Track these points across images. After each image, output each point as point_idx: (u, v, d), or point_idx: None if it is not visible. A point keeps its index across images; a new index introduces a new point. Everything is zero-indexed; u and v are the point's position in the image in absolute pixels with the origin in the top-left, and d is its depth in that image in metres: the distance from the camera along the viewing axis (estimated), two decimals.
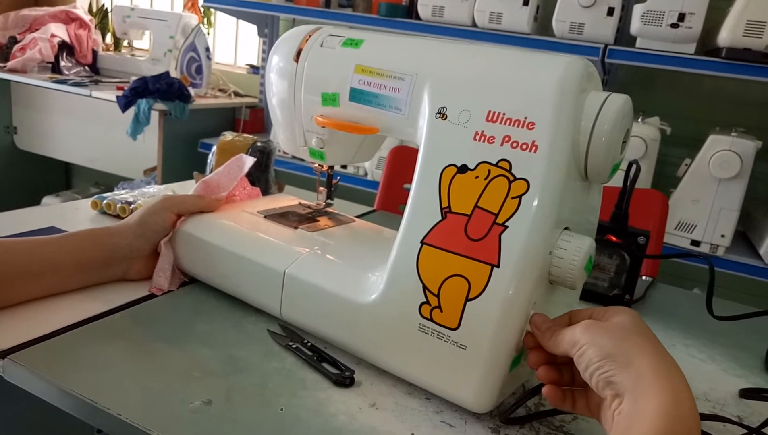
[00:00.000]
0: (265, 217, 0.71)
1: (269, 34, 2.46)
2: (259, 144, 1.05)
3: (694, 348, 0.72)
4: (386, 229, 0.74)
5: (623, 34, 1.71)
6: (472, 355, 0.49)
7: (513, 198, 0.47)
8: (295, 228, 0.68)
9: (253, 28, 2.48)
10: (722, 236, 1.62)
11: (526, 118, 0.48)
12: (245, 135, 1.08)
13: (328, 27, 0.66)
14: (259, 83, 2.56)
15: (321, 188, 0.75)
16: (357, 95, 0.58)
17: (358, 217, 1.10)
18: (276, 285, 0.60)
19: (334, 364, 0.55)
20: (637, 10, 1.60)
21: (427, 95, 0.53)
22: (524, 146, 0.48)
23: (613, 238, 0.79)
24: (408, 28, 1.86)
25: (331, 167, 0.74)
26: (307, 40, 0.65)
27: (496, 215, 0.48)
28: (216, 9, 2.23)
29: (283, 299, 0.60)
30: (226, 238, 0.65)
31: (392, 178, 1.25)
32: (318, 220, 0.72)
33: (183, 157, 2.22)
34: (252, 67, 2.62)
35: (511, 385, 0.54)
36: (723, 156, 1.55)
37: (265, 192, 1.06)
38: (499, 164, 0.48)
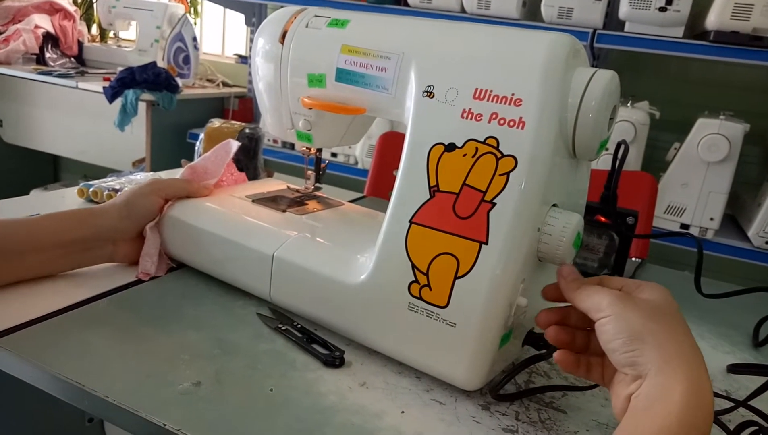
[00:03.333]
0: (253, 201, 0.70)
1: (257, 23, 2.44)
2: (247, 130, 1.04)
3: None
4: (376, 211, 0.74)
5: (612, 19, 1.71)
6: (462, 332, 0.49)
7: (501, 175, 0.47)
8: (284, 211, 0.68)
9: (240, 17, 2.45)
10: (711, 219, 1.64)
11: (513, 94, 0.48)
12: (233, 121, 1.07)
13: (313, 8, 0.65)
14: (248, 73, 2.53)
15: (309, 172, 0.75)
16: (344, 75, 0.57)
17: (348, 202, 1.11)
18: (265, 268, 0.59)
19: (324, 345, 0.55)
20: None
21: (414, 74, 0.53)
22: (511, 123, 0.47)
23: (602, 219, 0.79)
24: (396, 15, 1.85)
25: (319, 151, 0.73)
26: (292, 22, 0.64)
27: (484, 193, 0.48)
28: None
29: (272, 282, 0.60)
30: (215, 222, 0.65)
31: (382, 165, 1.25)
32: (307, 204, 0.72)
33: (171, 148, 2.21)
34: (240, 56, 2.60)
35: (500, 363, 0.54)
36: (711, 139, 1.56)
37: (254, 178, 1.06)
38: (487, 141, 0.48)
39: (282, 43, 0.64)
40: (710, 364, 0.63)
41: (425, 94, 0.51)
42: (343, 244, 0.60)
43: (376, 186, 1.25)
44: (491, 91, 0.49)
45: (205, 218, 0.66)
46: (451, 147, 0.49)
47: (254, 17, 2.42)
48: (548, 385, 0.55)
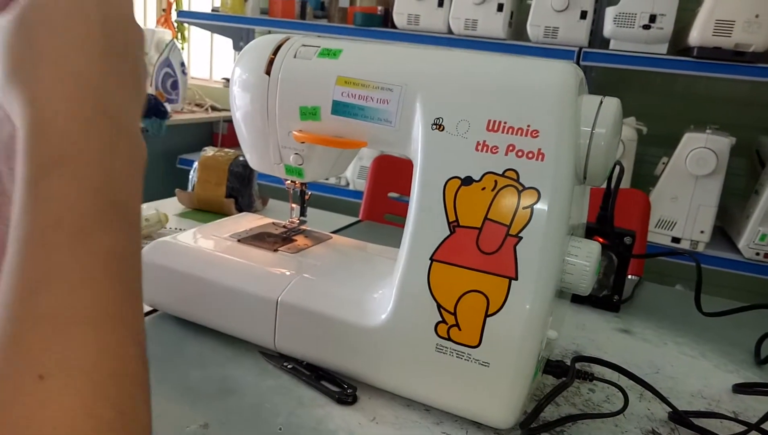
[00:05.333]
0: (239, 241, 0.66)
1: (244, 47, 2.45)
2: (241, 158, 1.04)
3: (685, 346, 0.72)
4: (367, 243, 0.71)
5: (597, 37, 1.74)
6: (496, 371, 0.48)
7: (524, 208, 0.47)
8: (275, 251, 0.64)
9: (228, 42, 2.46)
10: (702, 232, 1.65)
11: (528, 126, 0.47)
12: (227, 150, 1.07)
13: (298, 36, 0.62)
14: None
15: (293, 205, 0.72)
16: (341, 108, 0.57)
17: (344, 228, 1.11)
18: (268, 315, 0.56)
19: (333, 382, 0.54)
20: (609, 12, 1.63)
21: (420, 106, 0.52)
22: (530, 154, 0.47)
23: (600, 239, 0.80)
24: (384, 37, 1.87)
25: (303, 183, 0.70)
26: (276, 51, 0.61)
27: (509, 226, 0.47)
28: (190, 24, 2.21)
29: (278, 330, 0.57)
30: (204, 266, 0.61)
31: (376, 188, 1.25)
32: (296, 240, 0.69)
33: (162, 175, 2.20)
34: (228, 80, 2.60)
35: (528, 397, 0.53)
36: (699, 153, 1.58)
37: (249, 207, 1.06)
38: (506, 174, 0.48)
39: (268, 74, 0.60)
40: (715, 384, 0.64)
41: (434, 126, 0.51)
42: (349, 283, 0.59)
43: (372, 210, 1.25)
44: (505, 122, 0.48)
45: (192, 262, 0.61)
46: (468, 180, 0.49)
47: (242, 41, 2.43)
48: (573, 414, 0.55)
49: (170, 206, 1.05)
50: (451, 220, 0.49)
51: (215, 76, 2.79)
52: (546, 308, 0.47)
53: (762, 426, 0.53)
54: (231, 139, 2.43)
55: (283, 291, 0.56)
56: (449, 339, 0.49)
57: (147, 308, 0.65)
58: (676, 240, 1.68)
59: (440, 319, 0.49)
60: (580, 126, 0.49)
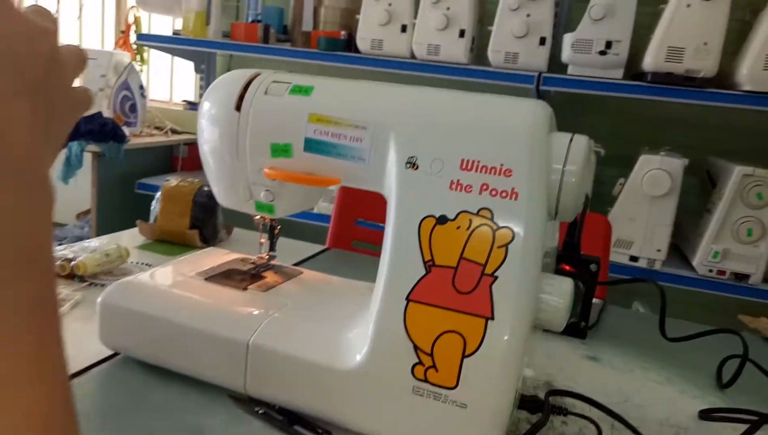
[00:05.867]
0: (206, 279, 0.64)
1: (206, 70, 2.42)
2: (205, 188, 1.02)
3: (651, 371, 0.74)
4: (339, 278, 0.71)
5: (555, 62, 1.79)
6: (474, 412, 0.47)
7: (499, 247, 0.47)
8: (244, 289, 0.63)
9: (189, 63, 2.43)
10: (658, 250, 1.70)
11: (502, 165, 0.48)
12: (190, 180, 1.05)
13: (269, 72, 0.62)
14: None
15: (262, 240, 0.70)
16: (313, 145, 0.56)
17: (312, 256, 1.09)
18: (238, 358, 0.54)
19: (307, 426, 0.53)
20: (567, 39, 1.67)
21: (394, 144, 0.52)
22: (504, 194, 0.48)
23: (567, 267, 0.81)
24: (347, 62, 1.88)
25: (273, 218, 0.69)
26: (247, 87, 0.60)
27: (484, 266, 0.47)
28: (150, 47, 2.18)
29: (248, 373, 0.55)
30: (169, 308, 0.58)
31: (343, 216, 1.24)
32: (265, 277, 0.67)
33: (120, 200, 2.14)
34: (189, 103, 2.57)
35: None
36: (654, 175, 1.63)
37: (214, 237, 1.03)
38: (480, 213, 0.48)
39: (238, 110, 0.59)
40: (682, 411, 0.65)
41: (408, 165, 0.51)
42: (322, 323, 0.58)
43: (339, 238, 1.24)
44: (479, 161, 0.49)
45: (156, 304, 0.59)
46: (443, 219, 0.49)
47: (203, 64, 2.40)
48: None
49: (131, 238, 1.02)
50: (426, 260, 0.49)
51: (175, 99, 2.75)
52: (522, 347, 0.47)
53: None
54: (192, 163, 2.39)
55: (254, 333, 0.55)
56: (426, 381, 0.48)
57: (108, 352, 0.62)
58: (634, 259, 1.73)
59: (417, 361, 0.49)
60: (552, 163, 0.49)
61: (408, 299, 0.49)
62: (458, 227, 0.48)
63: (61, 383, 0.26)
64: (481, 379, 0.47)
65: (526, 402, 0.57)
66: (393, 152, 0.52)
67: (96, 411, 0.54)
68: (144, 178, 2.19)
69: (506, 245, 0.47)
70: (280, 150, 0.59)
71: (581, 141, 0.50)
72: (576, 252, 0.80)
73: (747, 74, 1.54)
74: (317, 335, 0.55)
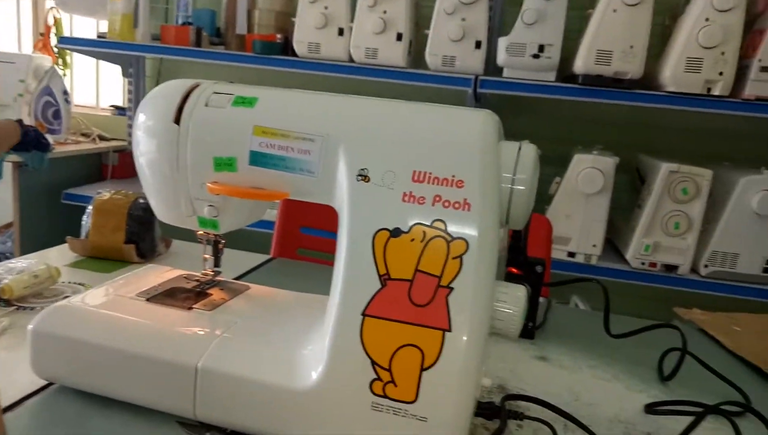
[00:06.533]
0: (147, 300, 0.61)
1: (135, 74, 2.32)
2: (141, 201, 0.97)
3: (598, 368, 0.76)
4: (287, 291, 0.69)
5: (491, 65, 1.82)
6: (434, 425, 0.47)
7: (454, 258, 0.47)
8: (189, 309, 0.60)
9: (116, 67, 2.32)
10: (594, 246, 1.77)
11: (453, 176, 0.48)
12: (124, 191, 1.00)
13: (209, 82, 0.59)
14: (127, 125, 2.40)
15: (206, 256, 0.67)
16: (259, 159, 0.54)
17: (257, 267, 1.06)
18: (186, 382, 0.52)
19: None
20: (502, 42, 1.71)
21: (344, 156, 0.51)
22: (456, 205, 0.47)
23: (514, 270, 0.82)
24: (284, 65, 1.84)
25: (217, 234, 0.66)
26: (186, 99, 0.57)
27: (440, 277, 0.47)
28: (73, 51, 2.07)
29: (198, 397, 0.52)
30: (108, 334, 0.55)
31: (287, 225, 1.22)
32: (211, 294, 0.64)
33: (45, 211, 2.02)
34: (117, 108, 2.45)
35: None
36: (588, 173, 1.69)
37: (151, 252, 0.99)
38: (434, 225, 0.48)
39: (177, 123, 0.57)
40: (629, 407, 0.67)
41: (360, 178, 0.50)
42: (274, 341, 0.56)
43: (283, 247, 1.21)
44: (430, 173, 0.48)
45: (95, 329, 0.55)
46: (396, 232, 0.48)
47: (131, 68, 2.30)
48: None
49: (60, 255, 0.96)
50: (381, 273, 0.48)
51: (102, 104, 2.62)
52: (480, 357, 0.47)
53: None
54: (123, 170, 2.29)
55: (202, 356, 0.53)
56: (385, 396, 0.48)
57: (41, 382, 0.58)
58: (571, 254, 1.79)
59: (375, 377, 0.48)
60: (502, 173, 0.50)
61: (364, 314, 0.48)
62: (412, 240, 0.48)
63: None
64: (440, 391, 0.47)
65: (482, 409, 0.57)
66: (343, 164, 0.51)
67: None
68: (71, 188, 2.07)
69: (461, 256, 0.47)
70: (224, 164, 0.56)
71: (529, 150, 0.51)
72: (522, 254, 0.82)
73: (670, 76, 1.61)
74: (269, 354, 0.53)
